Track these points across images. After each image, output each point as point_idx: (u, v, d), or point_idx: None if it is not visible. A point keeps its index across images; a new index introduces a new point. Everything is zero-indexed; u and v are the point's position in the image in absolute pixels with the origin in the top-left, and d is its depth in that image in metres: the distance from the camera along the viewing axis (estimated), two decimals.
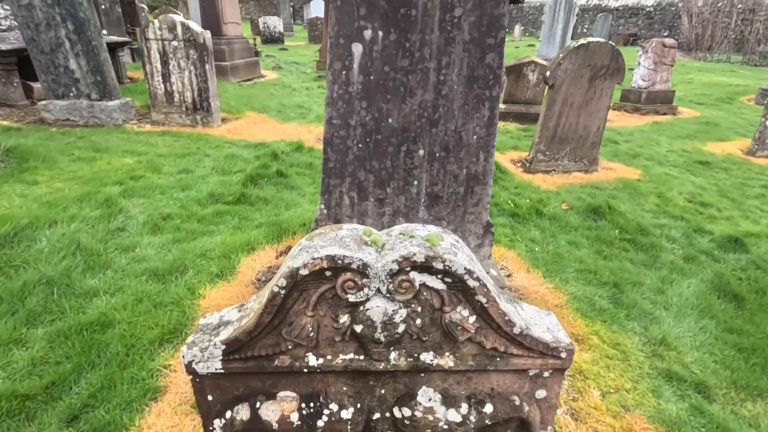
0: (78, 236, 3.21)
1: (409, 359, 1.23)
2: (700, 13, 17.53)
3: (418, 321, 1.19)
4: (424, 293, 1.16)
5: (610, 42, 5.57)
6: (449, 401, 1.29)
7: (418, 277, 1.12)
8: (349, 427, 1.30)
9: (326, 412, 1.28)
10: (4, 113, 6.82)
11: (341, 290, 1.12)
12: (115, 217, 3.60)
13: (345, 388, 1.30)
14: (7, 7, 7.63)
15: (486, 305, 1.15)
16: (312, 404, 1.28)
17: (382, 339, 1.17)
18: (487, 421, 1.30)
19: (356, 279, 1.10)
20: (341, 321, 1.19)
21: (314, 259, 1.08)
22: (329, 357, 1.23)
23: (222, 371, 1.23)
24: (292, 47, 19.65)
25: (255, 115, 7.68)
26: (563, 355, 1.24)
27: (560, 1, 12.89)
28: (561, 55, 5.50)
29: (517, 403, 1.30)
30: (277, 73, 12.47)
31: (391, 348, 1.21)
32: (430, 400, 1.28)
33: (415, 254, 1.08)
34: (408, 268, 1.10)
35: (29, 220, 3.35)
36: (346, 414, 1.28)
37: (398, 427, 1.33)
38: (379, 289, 1.12)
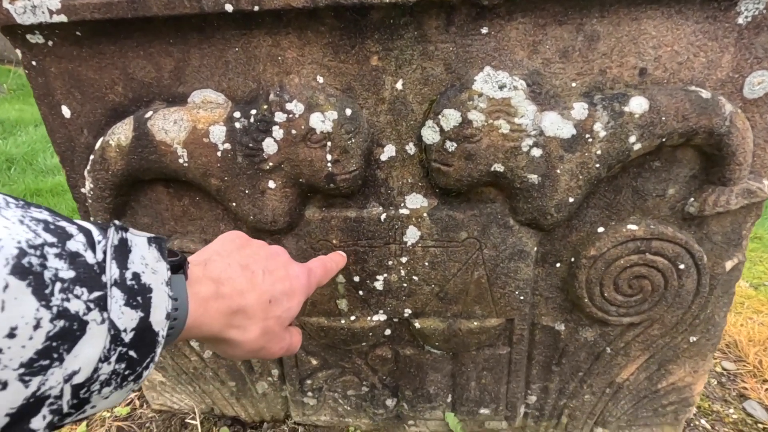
0: None
1: None
2: None
3: None
4: None
5: None
6: (546, 97, 0.59)
7: None
8: (328, 155, 0.62)
9: (279, 117, 0.61)
10: None
11: None
12: None
13: (321, 79, 0.62)
14: None
15: None
16: (253, 110, 0.62)
17: None
18: (633, 142, 0.58)
19: None
20: None
21: None
22: None
23: (66, 21, 0.59)
24: None
25: None
26: None
27: None
28: None
29: (706, 96, 0.58)
30: None
31: None
32: (503, 88, 0.59)
33: None
34: None
35: (16, 117, 2.95)
36: (321, 122, 0.61)
37: (431, 165, 0.64)
38: None
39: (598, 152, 0.59)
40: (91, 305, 0.27)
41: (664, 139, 0.59)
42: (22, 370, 0.24)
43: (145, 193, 0.72)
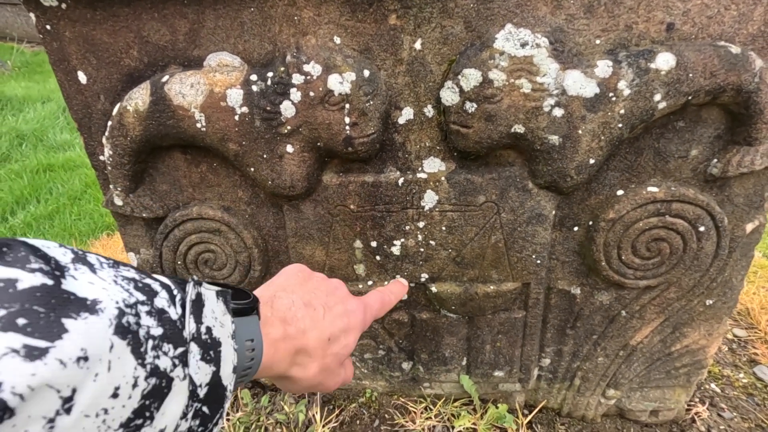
0: None
1: None
2: None
3: None
4: None
5: None
6: (569, 56, 0.58)
7: None
8: (346, 118, 0.62)
9: (296, 79, 0.61)
10: None
11: None
12: None
13: (338, 40, 0.61)
14: None
15: None
16: (270, 72, 0.62)
17: None
18: (658, 101, 0.57)
19: None
20: None
21: None
22: None
23: None
24: None
25: None
26: None
27: None
28: None
29: (735, 51, 0.56)
30: None
31: None
32: (525, 46, 0.57)
33: None
34: None
35: (23, 94, 2.95)
36: (339, 83, 0.60)
37: (450, 127, 0.63)
38: None
39: (622, 111, 0.58)
40: (176, 361, 0.28)
41: (690, 97, 0.58)
42: (120, 431, 0.24)
43: (162, 159, 0.73)
